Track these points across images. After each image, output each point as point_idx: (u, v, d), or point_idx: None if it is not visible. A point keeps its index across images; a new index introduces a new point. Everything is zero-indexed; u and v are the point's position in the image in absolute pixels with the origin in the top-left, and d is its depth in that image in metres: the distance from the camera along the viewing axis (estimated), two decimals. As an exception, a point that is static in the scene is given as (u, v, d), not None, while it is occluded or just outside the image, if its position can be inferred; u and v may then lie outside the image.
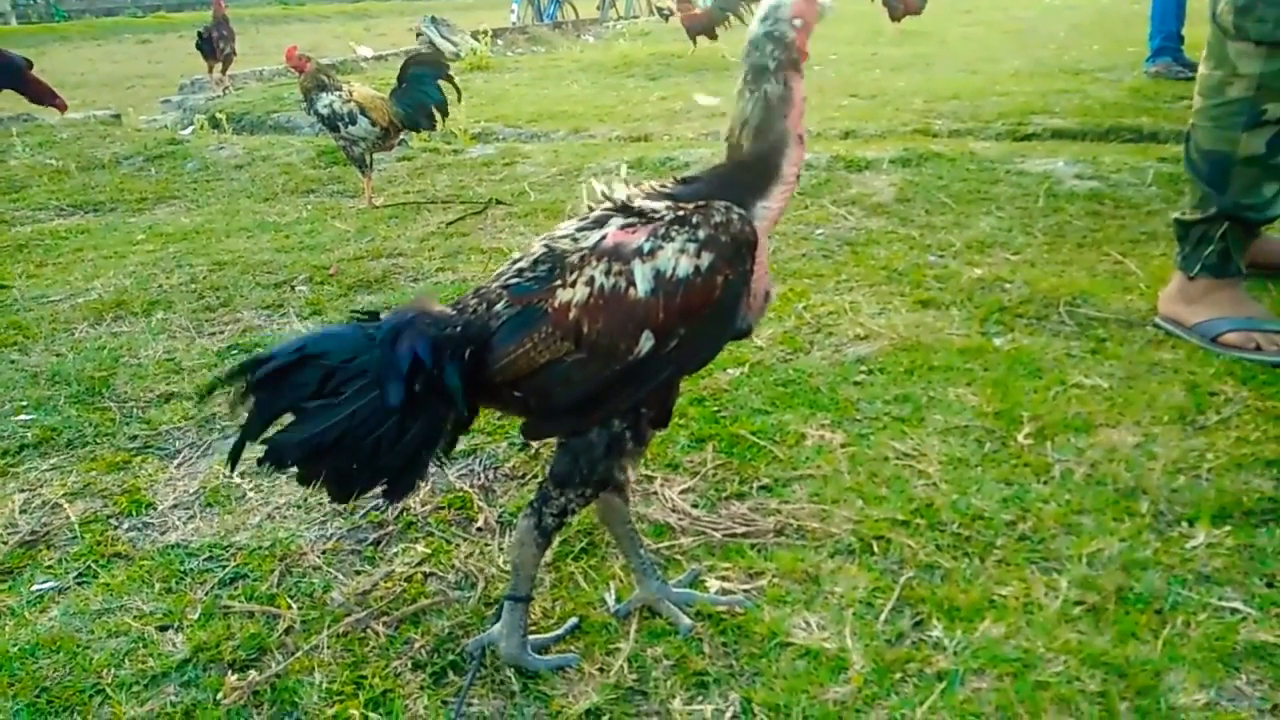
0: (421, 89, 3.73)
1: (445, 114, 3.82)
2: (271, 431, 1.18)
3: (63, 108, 6.77)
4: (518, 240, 3.25)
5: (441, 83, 3.76)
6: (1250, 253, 2.41)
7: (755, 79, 1.19)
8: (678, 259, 1.11)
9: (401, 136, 3.98)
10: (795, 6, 1.20)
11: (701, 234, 1.11)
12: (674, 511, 1.61)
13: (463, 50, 9.57)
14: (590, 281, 1.12)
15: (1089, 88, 5.66)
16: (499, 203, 3.76)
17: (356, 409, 1.15)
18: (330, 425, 1.14)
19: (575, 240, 1.17)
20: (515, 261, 1.22)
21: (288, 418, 1.18)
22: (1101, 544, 1.44)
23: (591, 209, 1.22)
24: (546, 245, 1.19)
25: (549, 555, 1.50)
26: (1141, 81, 5.77)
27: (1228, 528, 1.46)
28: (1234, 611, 1.30)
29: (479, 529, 1.61)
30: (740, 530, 1.54)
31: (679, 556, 1.50)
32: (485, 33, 9.97)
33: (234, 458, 1.20)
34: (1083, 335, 2.22)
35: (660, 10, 13.90)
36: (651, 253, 1.11)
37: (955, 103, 5.48)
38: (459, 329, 1.19)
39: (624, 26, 13.78)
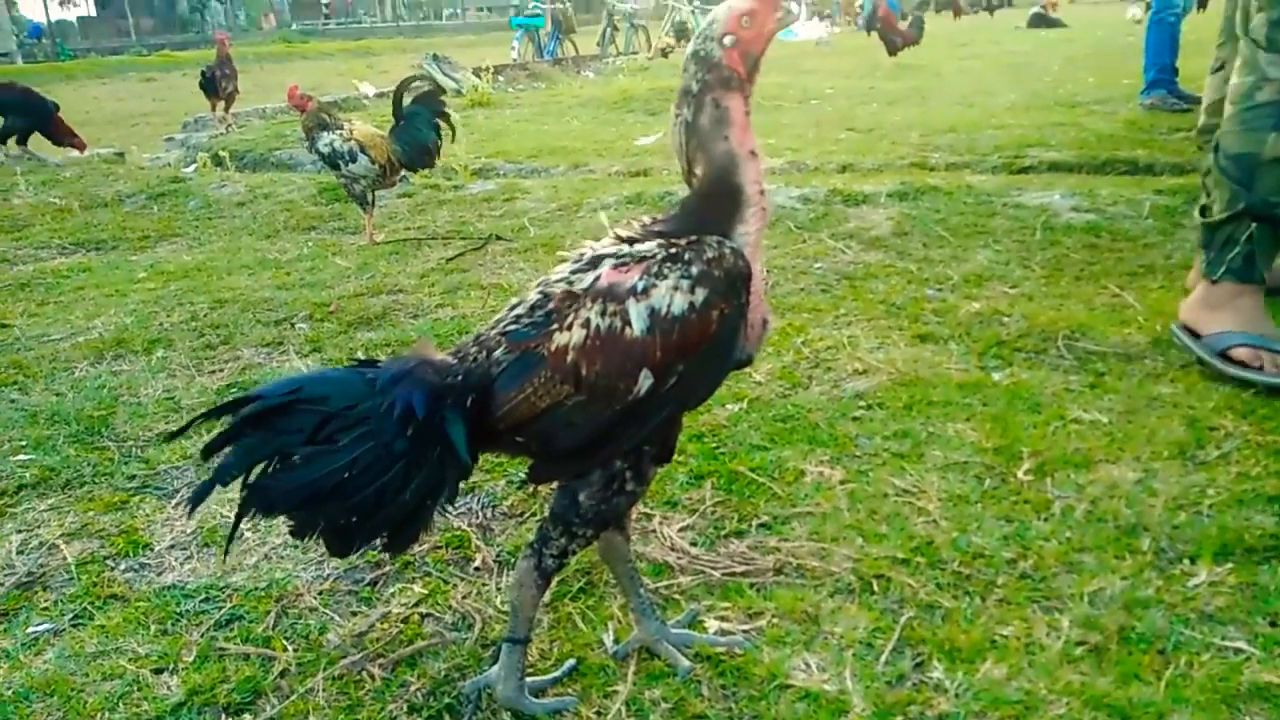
0: (419, 128, 3.76)
1: (439, 152, 3.85)
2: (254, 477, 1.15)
3: (82, 148, 6.86)
4: (517, 276, 3.26)
5: (438, 120, 3.80)
6: None
7: (680, 103, 1.18)
8: (672, 296, 1.10)
9: (402, 174, 4.01)
10: (727, 23, 1.16)
11: (695, 270, 1.11)
12: (672, 550, 1.60)
13: (464, 87, 9.67)
14: (586, 324, 1.11)
15: (1085, 120, 5.71)
16: (499, 238, 3.78)
17: (356, 457, 1.12)
18: (328, 473, 1.11)
19: (570, 284, 1.17)
20: (513, 307, 1.22)
21: (272, 464, 1.15)
22: (1103, 582, 1.43)
23: (584, 251, 1.22)
24: (542, 291, 1.19)
25: (547, 596, 1.49)
26: (1137, 114, 5.82)
27: (1230, 565, 1.45)
28: (1237, 651, 1.28)
29: (476, 569, 1.60)
30: (739, 569, 1.53)
31: (677, 596, 1.49)
32: (486, 69, 10.08)
33: (197, 500, 1.16)
34: (1081, 369, 2.22)
35: (663, 50, 14.08)
36: (645, 291, 1.10)
37: (952, 136, 5.53)
38: (460, 377, 1.18)
39: (623, 62, 13.92)
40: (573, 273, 1.18)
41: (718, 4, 1.16)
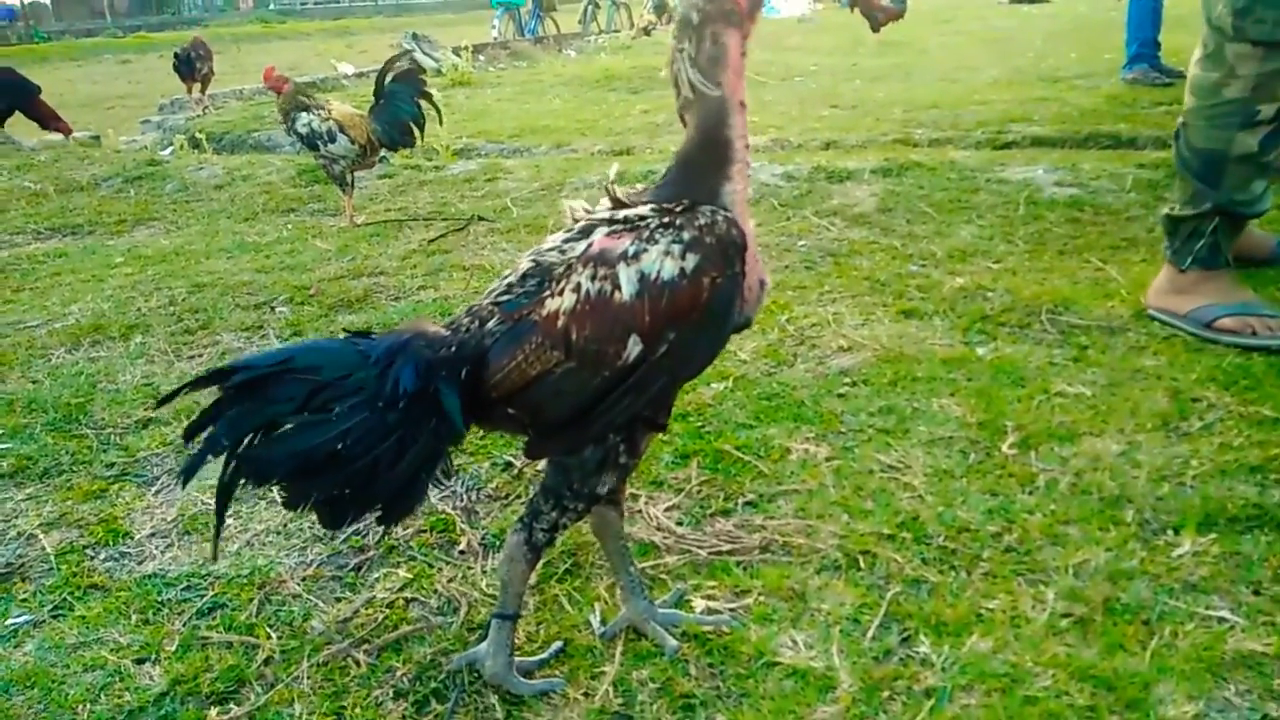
0: (399, 106, 3.72)
1: (423, 131, 3.81)
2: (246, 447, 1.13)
3: (67, 131, 6.76)
4: (500, 257, 3.24)
5: (420, 100, 3.75)
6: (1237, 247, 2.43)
7: (679, 35, 1.13)
8: (663, 262, 1.07)
9: (382, 154, 3.96)
10: None
11: (686, 236, 1.08)
12: (659, 530, 1.60)
13: (444, 66, 9.57)
14: (577, 288, 1.10)
15: (1067, 95, 5.71)
16: (481, 219, 3.75)
17: (350, 427, 1.11)
18: (321, 443, 1.10)
19: (563, 252, 1.15)
20: (505, 278, 1.20)
21: (263, 434, 1.14)
22: (1088, 554, 1.44)
23: (576, 220, 1.20)
24: (534, 260, 1.18)
25: (533, 578, 1.49)
26: (1119, 88, 5.81)
27: (1213, 535, 1.46)
28: (1221, 620, 1.29)
29: (461, 552, 1.59)
30: (726, 548, 1.53)
31: (664, 576, 1.48)
32: (467, 48, 9.98)
33: (189, 473, 1.14)
34: (1065, 343, 2.22)
35: (644, 29, 13.97)
36: (636, 256, 1.08)
37: (935, 112, 5.52)
38: (454, 348, 1.17)
39: (605, 41, 13.82)
40: (565, 241, 1.16)
41: None
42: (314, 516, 1.19)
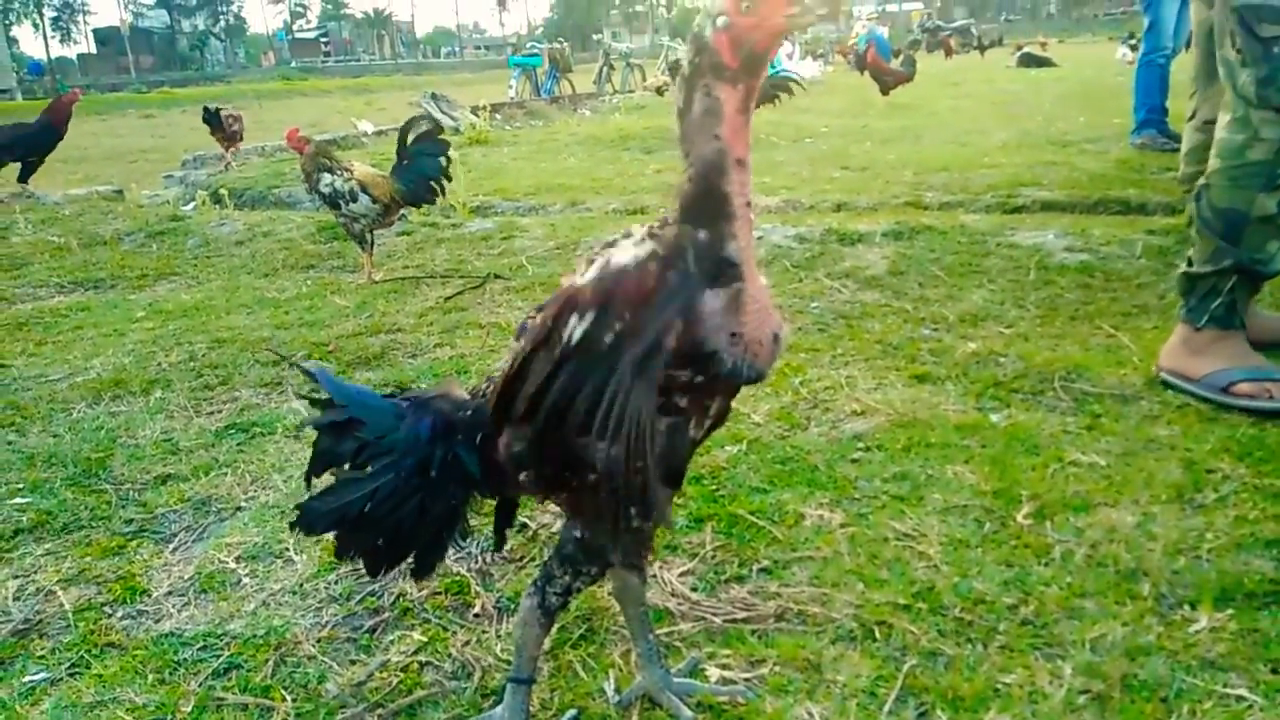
0: (422, 165, 3.80)
1: (444, 190, 3.88)
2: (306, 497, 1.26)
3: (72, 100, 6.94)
4: (515, 315, 3.27)
5: (441, 159, 3.83)
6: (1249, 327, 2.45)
7: (677, 87, 1.10)
8: (622, 252, 1.08)
9: (402, 212, 4.04)
10: (725, 1, 1.03)
11: (648, 232, 1.09)
12: (673, 595, 1.60)
13: (462, 125, 9.76)
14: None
15: (1076, 159, 5.78)
16: (497, 277, 3.80)
17: (379, 486, 1.21)
18: (356, 499, 1.20)
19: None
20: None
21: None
22: (1104, 628, 1.43)
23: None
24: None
25: (547, 643, 1.49)
26: (1128, 153, 5.89)
27: (1230, 611, 1.45)
28: (1239, 699, 1.28)
29: (476, 615, 1.59)
30: (740, 615, 1.53)
31: (679, 643, 1.48)
32: (484, 108, 10.19)
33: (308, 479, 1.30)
34: (1078, 410, 2.23)
35: (658, 88, 14.24)
36: (605, 250, 1.11)
37: (945, 175, 5.59)
38: (471, 412, 1.21)
39: (620, 100, 14.07)
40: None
41: None
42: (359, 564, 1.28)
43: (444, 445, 1.22)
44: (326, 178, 3.79)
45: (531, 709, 1.32)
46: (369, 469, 1.22)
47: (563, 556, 1.22)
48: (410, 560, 1.27)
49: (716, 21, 1.03)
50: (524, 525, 1.85)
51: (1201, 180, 2.30)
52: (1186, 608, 1.48)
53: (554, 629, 1.51)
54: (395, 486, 1.21)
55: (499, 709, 1.30)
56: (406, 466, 1.21)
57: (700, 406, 1.15)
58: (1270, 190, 2.16)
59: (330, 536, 1.27)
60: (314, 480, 1.29)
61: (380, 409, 1.26)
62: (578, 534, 1.20)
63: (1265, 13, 2.07)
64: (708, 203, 1.08)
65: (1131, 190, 4.72)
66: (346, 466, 1.26)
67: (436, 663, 1.48)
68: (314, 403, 1.32)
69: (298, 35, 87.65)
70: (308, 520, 1.23)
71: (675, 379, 1.09)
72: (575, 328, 1.06)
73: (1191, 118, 2.94)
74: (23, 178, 6.71)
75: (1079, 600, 1.51)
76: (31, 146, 6.73)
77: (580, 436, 1.09)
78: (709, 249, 1.07)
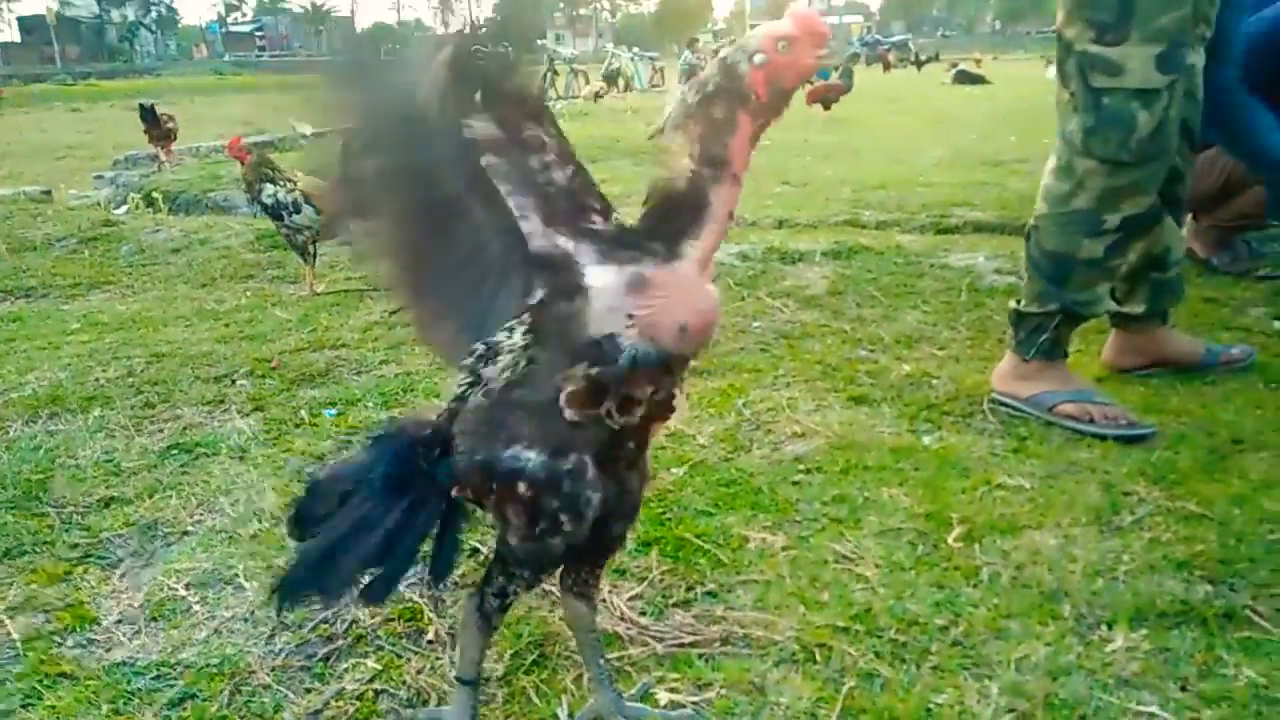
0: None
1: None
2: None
3: None
4: (462, 331, 3.29)
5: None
6: (1162, 352, 2.61)
7: (688, 88, 1.15)
8: None
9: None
10: (762, 41, 1.11)
11: None
12: (622, 620, 1.65)
13: (403, 129, 9.68)
14: None
15: (1007, 180, 5.99)
16: (442, 291, 3.80)
17: (362, 514, 1.21)
18: (330, 543, 1.21)
19: None
20: None
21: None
22: (1028, 649, 1.52)
23: None
24: None
25: (500, 669, 1.53)
26: (1054, 174, 6.10)
27: (1144, 631, 1.55)
28: (1151, 717, 1.38)
29: (430, 641, 1.62)
30: (688, 639, 1.58)
31: (629, 668, 1.53)
32: (425, 112, 10.12)
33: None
34: (1006, 433, 2.34)
35: (596, 93, 14.29)
36: None
37: (882, 193, 5.75)
38: (430, 430, 1.24)
39: (563, 107, 14.09)
40: None
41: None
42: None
43: (413, 460, 1.24)
44: (269, 188, 3.76)
45: (486, 735, 1.36)
46: (352, 500, 1.23)
47: (497, 558, 1.26)
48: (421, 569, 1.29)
49: (754, 59, 1.10)
50: (475, 550, 1.88)
51: (1031, 221, 2.42)
52: (1104, 628, 1.58)
53: (508, 654, 1.56)
54: (372, 509, 1.21)
55: (447, 708, 1.37)
56: (378, 487, 1.22)
57: (622, 398, 1.15)
58: (1095, 235, 2.26)
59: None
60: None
61: (357, 459, 1.29)
62: (510, 539, 1.23)
63: (1099, 63, 2.13)
64: (685, 207, 1.12)
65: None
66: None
67: (391, 690, 1.51)
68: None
69: (232, 28, 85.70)
70: (288, 595, 1.22)
71: (575, 375, 1.12)
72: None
73: None
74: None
75: (1005, 621, 1.60)
76: None
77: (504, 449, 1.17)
78: (643, 234, 1.14)
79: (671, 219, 1.14)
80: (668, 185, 1.14)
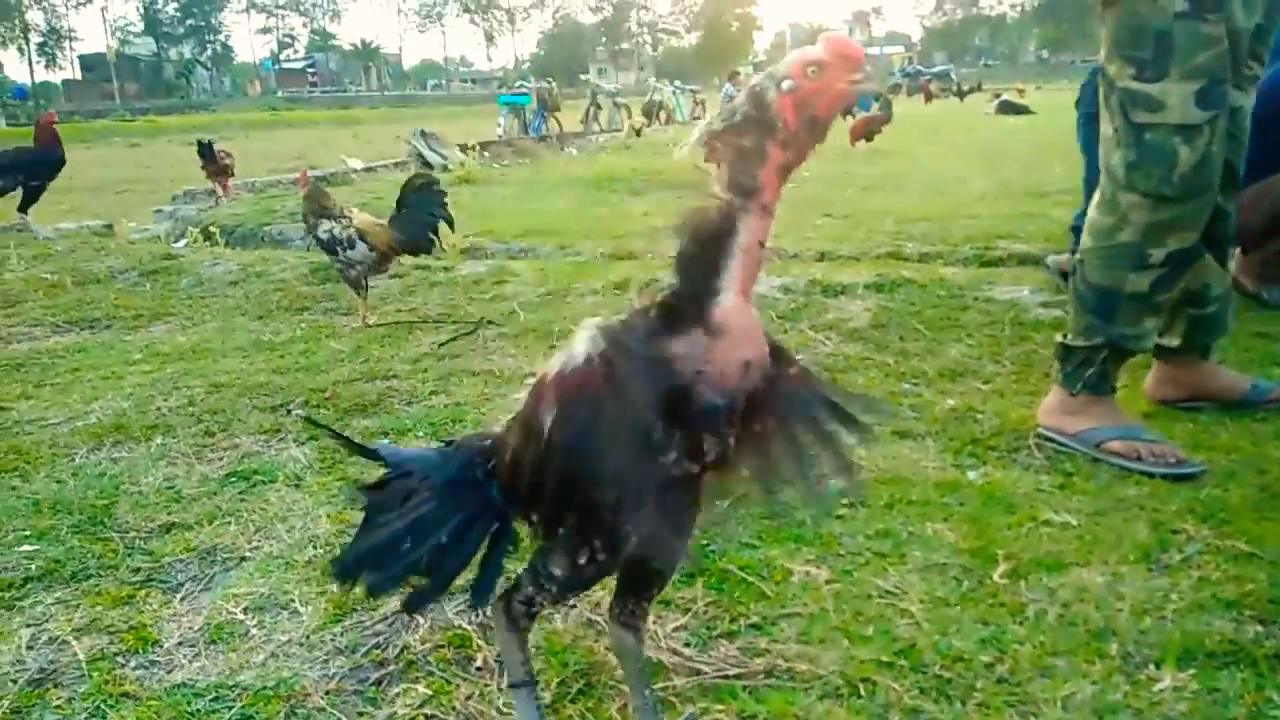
0: (419, 215, 3.90)
1: (441, 240, 3.98)
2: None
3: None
4: (509, 363, 3.36)
5: (438, 210, 3.94)
6: (1203, 385, 2.59)
7: (719, 113, 1.14)
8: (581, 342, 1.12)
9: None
10: (791, 66, 1.08)
11: (604, 323, 1.12)
12: (667, 651, 1.67)
13: (450, 163, 9.89)
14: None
15: (1052, 211, 5.95)
16: (490, 323, 3.89)
17: (419, 516, 1.26)
18: (389, 535, 1.25)
19: None
20: None
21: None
22: (1075, 687, 1.52)
23: None
24: None
25: (547, 697, 1.56)
26: (1101, 206, 6.05)
27: (1192, 671, 1.54)
28: (1200, 757, 1.37)
29: (479, 668, 1.66)
30: (732, 671, 1.60)
31: (673, 698, 1.55)
32: (473, 146, 10.34)
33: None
34: (1052, 469, 2.33)
35: (636, 130, 14.47)
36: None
37: (925, 225, 5.74)
38: (490, 441, 1.29)
39: (606, 140, 14.28)
40: None
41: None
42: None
43: (470, 471, 1.29)
44: (326, 224, 3.88)
45: (535, 762, 1.39)
46: (410, 506, 1.27)
47: (530, 568, 1.29)
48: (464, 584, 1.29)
49: (782, 85, 1.07)
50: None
51: (1076, 255, 2.42)
52: (1152, 667, 1.57)
53: (554, 683, 1.59)
54: (431, 513, 1.25)
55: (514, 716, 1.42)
56: (440, 492, 1.27)
57: (690, 446, 1.15)
58: (1140, 269, 2.26)
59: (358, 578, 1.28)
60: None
61: (426, 456, 1.36)
62: (546, 553, 1.26)
63: (1139, 99, 2.16)
64: (717, 229, 1.11)
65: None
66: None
67: (441, 715, 1.54)
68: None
69: (284, 65, 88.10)
70: (341, 569, 1.28)
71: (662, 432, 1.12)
72: (545, 419, 1.13)
73: None
74: (23, 206, 6.73)
75: (1051, 659, 1.60)
76: (34, 171, 6.77)
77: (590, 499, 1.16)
78: (680, 297, 1.11)
79: (703, 251, 1.13)
80: (698, 215, 1.13)
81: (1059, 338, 2.50)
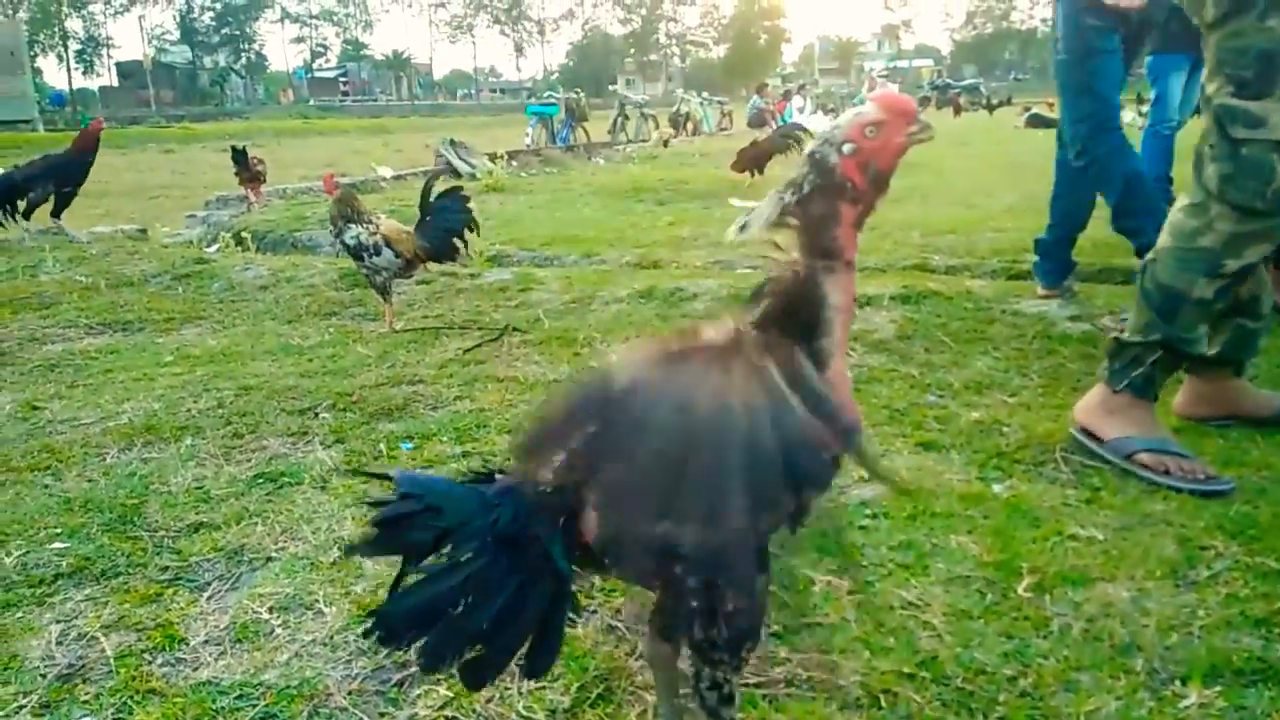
0: (445, 222, 3.93)
1: (466, 246, 4.01)
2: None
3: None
4: (533, 370, 3.38)
5: (464, 215, 3.96)
6: (1235, 403, 2.57)
7: (785, 186, 1.15)
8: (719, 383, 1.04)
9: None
10: (849, 130, 1.13)
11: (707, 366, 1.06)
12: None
13: (479, 172, 9.97)
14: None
15: (1080, 225, 5.88)
16: (515, 330, 3.91)
17: (470, 574, 1.12)
18: (445, 591, 1.11)
19: None
20: None
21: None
22: (1099, 702, 1.50)
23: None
24: None
25: (565, 702, 1.57)
26: (1131, 221, 5.99)
27: (1219, 688, 1.52)
28: (1227, 776, 1.35)
29: (500, 672, 1.66)
30: (752, 680, 1.60)
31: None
32: (501, 155, 10.41)
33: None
34: (1079, 483, 2.31)
35: (664, 141, 14.52)
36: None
37: (952, 237, 5.71)
38: (554, 493, 1.15)
39: (634, 150, 14.33)
40: None
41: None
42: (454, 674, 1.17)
43: (531, 527, 1.15)
44: (352, 229, 3.92)
45: (554, 766, 1.39)
46: (454, 559, 1.13)
47: (694, 654, 1.20)
48: (520, 656, 1.15)
49: (843, 149, 1.12)
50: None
51: (1150, 255, 2.45)
52: (1178, 683, 1.55)
53: (574, 687, 1.59)
54: (486, 573, 1.12)
55: None
56: (497, 551, 1.13)
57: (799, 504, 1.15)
58: (1212, 277, 2.29)
59: (408, 638, 1.13)
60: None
61: (456, 494, 1.18)
62: (699, 628, 1.17)
63: (1239, 115, 2.20)
64: (805, 295, 1.13)
65: (1134, 260, 4.80)
66: (428, 559, 1.14)
67: (462, 717, 1.55)
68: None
69: (317, 74, 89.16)
70: (387, 626, 1.11)
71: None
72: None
73: None
74: (56, 212, 6.84)
75: (1075, 673, 1.58)
76: (65, 177, 6.87)
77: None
78: (791, 358, 1.06)
79: (792, 316, 1.14)
80: (781, 283, 1.15)
81: (1113, 335, 2.52)
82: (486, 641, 1.13)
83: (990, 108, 24.37)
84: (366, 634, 1.13)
